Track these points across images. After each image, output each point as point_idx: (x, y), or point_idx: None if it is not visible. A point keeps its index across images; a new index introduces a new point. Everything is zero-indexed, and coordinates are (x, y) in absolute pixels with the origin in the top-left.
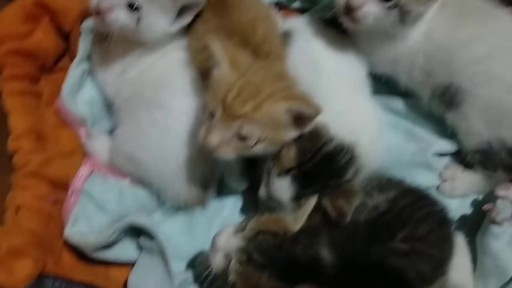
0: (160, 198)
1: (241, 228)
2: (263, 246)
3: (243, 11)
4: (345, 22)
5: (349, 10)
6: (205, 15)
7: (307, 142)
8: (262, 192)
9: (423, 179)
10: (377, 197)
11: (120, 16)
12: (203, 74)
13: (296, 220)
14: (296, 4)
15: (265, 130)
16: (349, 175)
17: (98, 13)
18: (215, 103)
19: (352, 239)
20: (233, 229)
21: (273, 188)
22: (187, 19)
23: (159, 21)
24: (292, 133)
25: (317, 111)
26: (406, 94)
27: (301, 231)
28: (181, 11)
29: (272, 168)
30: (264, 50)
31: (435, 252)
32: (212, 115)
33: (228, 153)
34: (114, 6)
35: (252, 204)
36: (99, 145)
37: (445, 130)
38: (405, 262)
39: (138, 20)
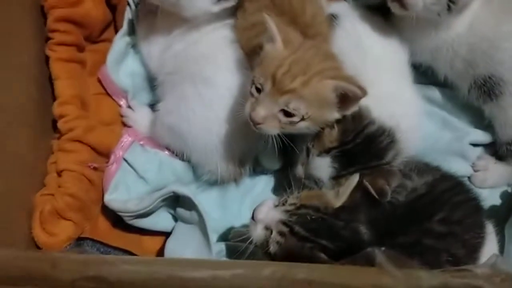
0: (196, 171)
1: (281, 203)
2: (305, 219)
3: None
4: (394, 7)
5: None
6: None
7: (350, 122)
8: (299, 170)
9: (456, 168)
10: (416, 180)
11: None
12: (249, 53)
13: (338, 196)
14: None
15: (311, 107)
16: (388, 157)
17: None
18: (264, 77)
19: (390, 218)
20: (273, 202)
21: (313, 166)
22: (230, 2)
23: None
24: (335, 114)
25: (363, 93)
26: (443, 85)
27: (342, 207)
28: None
29: (312, 147)
30: (312, 31)
31: (469, 238)
32: (260, 89)
33: (272, 128)
34: None
35: (285, 184)
36: (140, 117)
37: (481, 121)
38: (441, 244)
39: None
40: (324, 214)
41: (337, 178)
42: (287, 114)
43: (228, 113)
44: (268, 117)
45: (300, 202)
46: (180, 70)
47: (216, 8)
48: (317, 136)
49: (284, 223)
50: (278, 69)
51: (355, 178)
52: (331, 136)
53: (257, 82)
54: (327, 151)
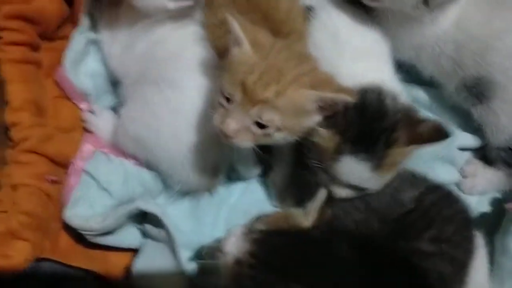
0: (166, 182)
1: (248, 230)
2: (275, 248)
3: None
4: None
5: None
6: None
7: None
8: (338, 192)
9: (444, 174)
10: (404, 193)
11: None
12: (220, 52)
13: (306, 215)
14: None
15: (287, 117)
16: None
17: None
18: (233, 86)
19: (376, 235)
20: (241, 232)
21: (346, 176)
22: (187, 2)
23: None
24: (315, 118)
25: (353, 96)
26: (429, 84)
27: (315, 227)
28: None
29: (323, 162)
30: (287, 27)
31: (459, 254)
32: (229, 99)
33: (246, 141)
34: None
35: (265, 191)
36: (102, 123)
37: (469, 123)
38: (429, 263)
39: None
40: (295, 238)
41: (379, 164)
42: (261, 125)
43: (198, 118)
44: (240, 129)
45: (268, 228)
46: (143, 71)
47: (172, 5)
48: (316, 149)
49: (253, 254)
50: (248, 76)
51: (322, 193)
52: (332, 138)
53: (225, 91)
54: (339, 152)
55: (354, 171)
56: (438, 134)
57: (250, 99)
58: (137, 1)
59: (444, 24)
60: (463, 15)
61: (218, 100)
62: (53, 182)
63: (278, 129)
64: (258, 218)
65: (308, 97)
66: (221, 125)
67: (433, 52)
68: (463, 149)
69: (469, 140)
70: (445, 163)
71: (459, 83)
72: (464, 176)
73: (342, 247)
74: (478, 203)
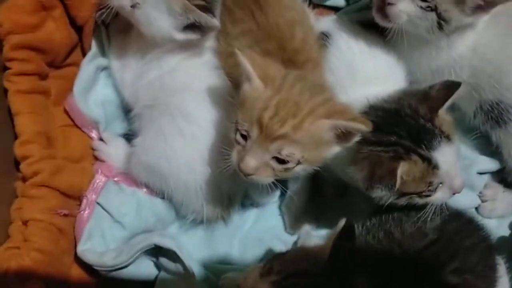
0: (179, 211)
1: (266, 271)
2: None
3: (280, 11)
4: (377, 18)
5: (383, 5)
6: (237, 15)
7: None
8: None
9: (464, 199)
10: (427, 223)
11: None
12: (235, 81)
13: (323, 248)
14: (329, 2)
15: (307, 150)
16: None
17: None
18: (249, 123)
19: (398, 268)
20: (258, 273)
21: (448, 165)
22: (196, 36)
23: (161, 20)
24: (335, 148)
25: (368, 127)
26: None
27: (333, 260)
28: (195, 25)
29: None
30: (302, 57)
31: (482, 285)
32: (245, 136)
33: (266, 177)
34: None
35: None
36: (114, 151)
37: (487, 146)
38: None
39: (134, 5)
40: (314, 277)
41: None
42: (281, 161)
43: (213, 149)
44: (259, 166)
45: (287, 269)
46: (156, 101)
47: (180, 37)
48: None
49: None
50: (264, 112)
51: (340, 223)
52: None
53: (241, 129)
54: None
55: (450, 158)
56: (449, 88)
57: (268, 135)
58: (145, 30)
59: (460, 48)
60: (480, 40)
61: (234, 137)
62: (66, 215)
63: (299, 162)
64: (276, 257)
65: (324, 126)
66: (240, 163)
67: (449, 76)
68: (482, 172)
69: (488, 163)
70: (465, 188)
71: (477, 107)
72: (483, 200)
73: (360, 282)
74: (497, 227)
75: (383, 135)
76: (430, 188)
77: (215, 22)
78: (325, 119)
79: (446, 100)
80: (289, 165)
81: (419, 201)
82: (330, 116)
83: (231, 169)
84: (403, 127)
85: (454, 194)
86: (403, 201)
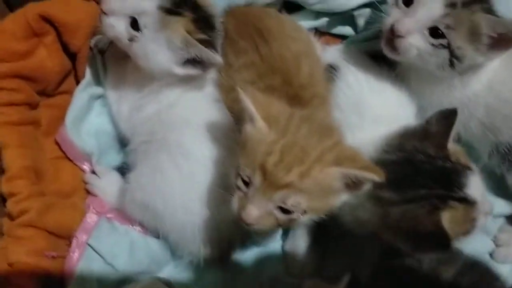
0: (174, 251)
1: None
2: None
3: (285, 42)
4: (386, 50)
5: (392, 37)
6: (241, 46)
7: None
8: None
9: (477, 244)
10: (441, 273)
11: (118, 25)
12: (237, 116)
13: None
14: (336, 30)
15: (314, 199)
16: None
17: (103, 12)
18: (251, 168)
19: None
20: None
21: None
22: (197, 71)
23: (160, 54)
24: (344, 196)
25: (380, 176)
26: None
27: None
28: (196, 60)
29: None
30: (309, 93)
31: None
32: (247, 182)
33: (269, 227)
34: (117, 13)
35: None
36: (107, 185)
37: (502, 188)
38: None
39: (132, 39)
40: None
41: None
42: (286, 210)
43: (211, 188)
44: (262, 216)
45: None
46: (154, 136)
47: (180, 71)
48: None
49: None
50: (268, 157)
51: (344, 279)
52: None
53: (243, 174)
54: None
55: (479, 187)
56: (447, 119)
57: (272, 183)
58: (143, 64)
59: (475, 86)
60: (496, 78)
61: (235, 182)
62: (54, 257)
63: (304, 212)
64: None
65: (334, 175)
66: (241, 212)
67: (461, 115)
68: (496, 216)
69: (503, 207)
70: (478, 232)
71: (492, 148)
72: (497, 245)
73: None
74: (511, 272)
75: (409, 191)
76: (474, 224)
77: (218, 58)
78: (335, 167)
79: (449, 132)
80: (294, 216)
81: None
82: (340, 163)
83: (231, 216)
84: (425, 175)
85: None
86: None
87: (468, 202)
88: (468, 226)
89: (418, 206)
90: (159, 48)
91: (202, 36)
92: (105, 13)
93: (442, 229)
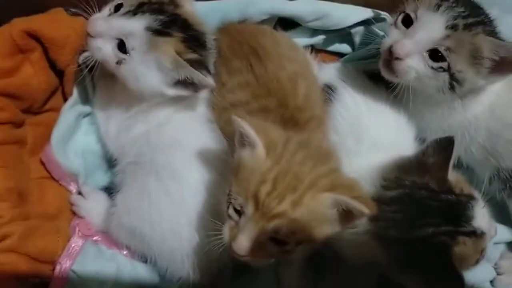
0: (163, 276)
1: None
2: None
3: (280, 62)
4: (384, 71)
5: (390, 58)
6: (234, 65)
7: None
8: None
9: (479, 272)
10: None
11: (105, 48)
12: (229, 137)
13: None
14: (333, 47)
15: (308, 228)
16: None
17: (89, 35)
18: (244, 197)
19: None
20: None
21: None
22: (189, 92)
23: (149, 76)
24: (336, 228)
25: (371, 210)
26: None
27: None
28: (187, 81)
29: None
30: (305, 115)
31: None
32: (239, 211)
33: (261, 260)
34: (103, 35)
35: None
36: (94, 207)
37: (503, 215)
38: None
39: (120, 62)
40: None
41: None
42: (279, 241)
43: (201, 212)
44: (254, 248)
45: None
46: (142, 158)
47: (171, 92)
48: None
49: None
50: (261, 186)
51: None
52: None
53: (235, 203)
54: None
55: (485, 215)
56: (444, 148)
57: (265, 213)
58: (133, 86)
59: (476, 109)
60: (498, 101)
61: (226, 211)
62: (36, 285)
63: (299, 243)
64: None
65: (326, 201)
66: (232, 243)
67: (462, 139)
68: (497, 242)
69: (504, 233)
70: None
71: (493, 173)
72: (499, 273)
73: None
74: None
75: (416, 229)
76: (483, 254)
77: (209, 81)
78: (327, 193)
79: (447, 163)
80: (288, 247)
81: None
82: (333, 189)
83: (222, 246)
84: (431, 212)
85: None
86: None
87: (476, 235)
88: (478, 257)
89: (428, 244)
90: (148, 70)
91: (193, 55)
92: (91, 36)
93: (454, 267)
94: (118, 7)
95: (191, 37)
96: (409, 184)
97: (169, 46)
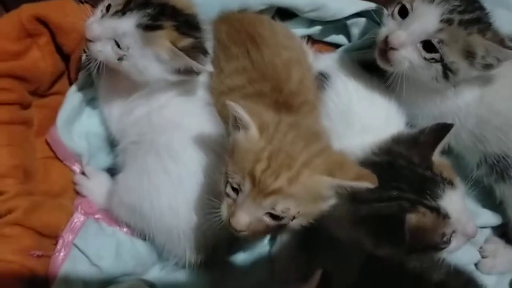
0: (161, 253)
1: None
2: None
3: (276, 50)
4: (379, 61)
5: (386, 48)
6: (232, 51)
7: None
8: None
9: (464, 255)
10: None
11: (105, 49)
12: (226, 121)
13: None
14: (329, 38)
15: (303, 204)
16: None
17: (88, 40)
18: (240, 175)
19: None
20: None
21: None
22: (191, 76)
23: (150, 67)
24: (332, 201)
25: (374, 182)
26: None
27: None
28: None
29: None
30: (298, 100)
31: None
32: (236, 189)
33: (259, 234)
34: (101, 38)
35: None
36: (96, 186)
37: (490, 199)
38: None
39: (121, 58)
40: None
41: None
42: (275, 216)
43: (199, 192)
44: (252, 223)
45: None
46: (142, 138)
47: (175, 78)
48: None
49: None
50: (256, 165)
51: (316, 275)
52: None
53: (232, 181)
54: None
55: (458, 204)
56: (439, 131)
57: (261, 190)
58: (137, 78)
59: (466, 97)
60: (487, 88)
61: (224, 189)
62: (39, 256)
63: (294, 217)
64: None
65: (324, 184)
66: (231, 219)
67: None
68: (483, 227)
69: (490, 218)
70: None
71: (480, 159)
72: (483, 256)
73: None
74: (497, 283)
75: (383, 191)
76: (444, 239)
77: (206, 68)
78: (327, 177)
79: (436, 145)
80: (283, 222)
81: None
82: (331, 172)
83: (220, 223)
84: (402, 180)
85: (468, 240)
86: (416, 258)
87: (439, 214)
88: (436, 239)
89: (388, 205)
90: (148, 63)
91: (189, 40)
92: (90, 41)
93: (402, 227)
94: (108, 7)
95: (183, 22)
96: (394, 152)
97: (163, 38)
